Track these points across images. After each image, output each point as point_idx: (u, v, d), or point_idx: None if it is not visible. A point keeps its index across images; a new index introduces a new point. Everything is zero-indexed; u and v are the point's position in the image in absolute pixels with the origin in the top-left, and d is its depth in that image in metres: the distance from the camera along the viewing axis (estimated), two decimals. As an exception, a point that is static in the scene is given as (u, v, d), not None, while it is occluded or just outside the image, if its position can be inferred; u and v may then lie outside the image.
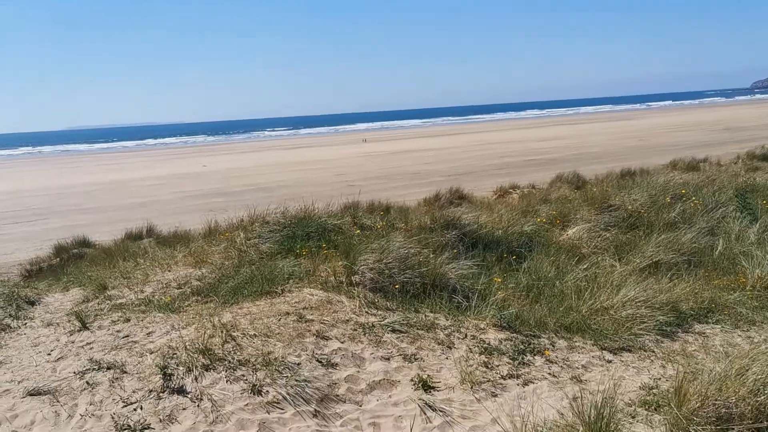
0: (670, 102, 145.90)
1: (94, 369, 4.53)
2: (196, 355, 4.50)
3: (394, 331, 5.04)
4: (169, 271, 7.07)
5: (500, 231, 7.88)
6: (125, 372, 4.46)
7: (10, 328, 5.77)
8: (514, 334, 5.09)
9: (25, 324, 5.91)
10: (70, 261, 13.80)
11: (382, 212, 16.82)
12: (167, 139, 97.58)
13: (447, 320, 5.31)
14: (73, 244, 14.51)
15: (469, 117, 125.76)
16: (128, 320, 5.47)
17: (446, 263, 6.13)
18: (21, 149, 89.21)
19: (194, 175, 35.12)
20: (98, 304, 6.23)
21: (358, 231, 7.88)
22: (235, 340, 4.75)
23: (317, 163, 37.91)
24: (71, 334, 5.35)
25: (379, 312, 5.37)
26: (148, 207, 23.69)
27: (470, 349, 4.84)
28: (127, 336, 5.14)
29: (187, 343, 4.73)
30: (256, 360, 4.49)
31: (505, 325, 5.18)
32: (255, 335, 4.82)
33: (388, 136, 71.67)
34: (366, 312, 5.34)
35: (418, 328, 5.11)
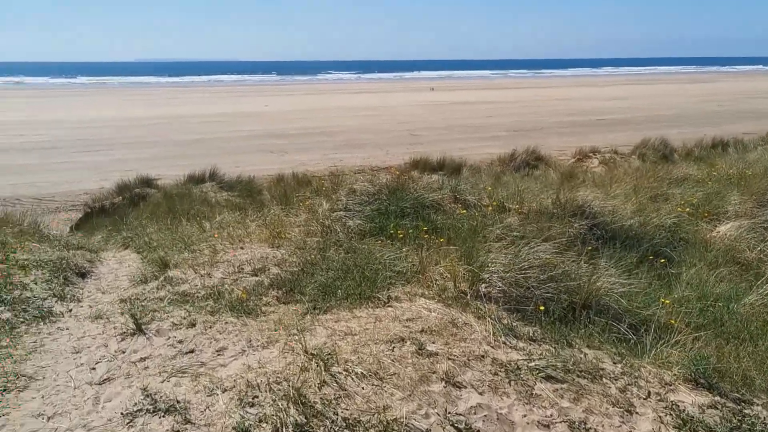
0: (761, 66, 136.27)
1: (148, 410, 3.18)
2: (284, 403, 3.12)
3: (548, 378, 3.56)
4: (241, 248, 5.67)
5: (635, 221, 6.25)
6: (189, 421, 3.10)
7: (52, 315, 4.45)
8: (717, 397, 3.55)
9: (70, 311, 4.60)
10: (132, 202, 12.76)
11: (450, 170, 15.24)
12: (232, 76, 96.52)
13: (614, 364, 3.79)
14: (136, 182, 13.52)
15: (540, 71, 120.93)
16: (193, 324, 4.10)
17: (603, 275, 4.55)
18: (91, 78, 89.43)
19: (256, 114, 33.85)
20: (157, 288, 4.88)
21: (464, 211, 6.35)
22: (336, 380, 3.34)
23: (380, 109, 36.15)
24: (122, 339, 4.00)
25: (520, 344, 3.88)
26: (209, 144, 22.55)
27: (660, 419, 3.34)
28: (192, 351, 3.77)
29: (271, 379, 3.35)
30: (368, 421, 3.08)
31: (701, 380, 3.64)
32: (363, 375, 3.40)
33: (454, 85, 69.08)
34: (504, 343, 3.85)
35: (578, 375, 3.61)
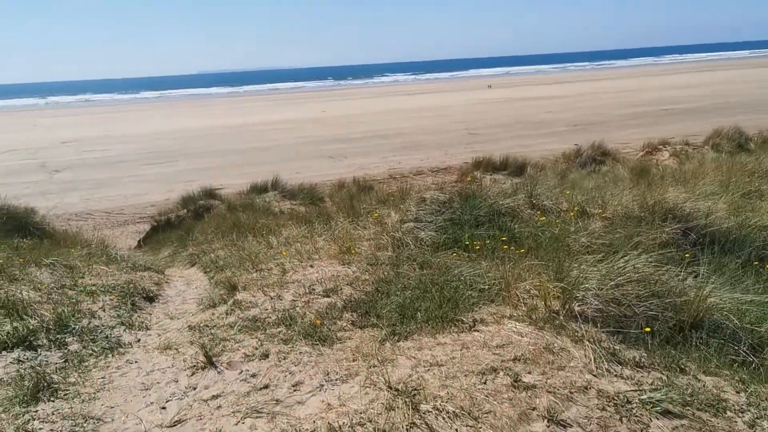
0: None
1: (222, 458, 2.92)
2: (372, 452, 2.80)
3: (664, 413, 3.12)
4: (311, 266, 5.39)
5: (732, 223, 5.67)
6: (268, 475, 2.82)
7: (121, 347, 4.26)
8: None
9: (139, 341, 4.39)
10: (197, 214, 12.78)
11: (513, 169, 14.70)
12: (288, 84, 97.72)
13: (737, 393, 3.31)
14: (200, 194, 13.56)
15: (600, 62, 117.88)
16: (266, 355, 3.82)
17: (712, 288, 4.05)
18: (153, 92, 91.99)
19: (313, 120, 33.94)
20: (226, 313, 4.64)
21: (543, 218, 5.91)
22: (426, 421, 2.99)
23: (437, 109, 35.71)
24: (193, 373, 3.76)
25: (626, 371, 3.44)
26: (270, 152, 22.63)
27: (803, 461, 2.87)
28: (266, 387, 3.49)
29: (354, 420, 3.02)
30: (467, 472, 2.73)
31: None
32: (455, 414, 3.04)
33: (512, 82, 67.98)
34: (607, 371, 3.43)
35: (697, 408, 3.16)
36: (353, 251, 5.53)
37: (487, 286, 4.45)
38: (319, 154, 21.52)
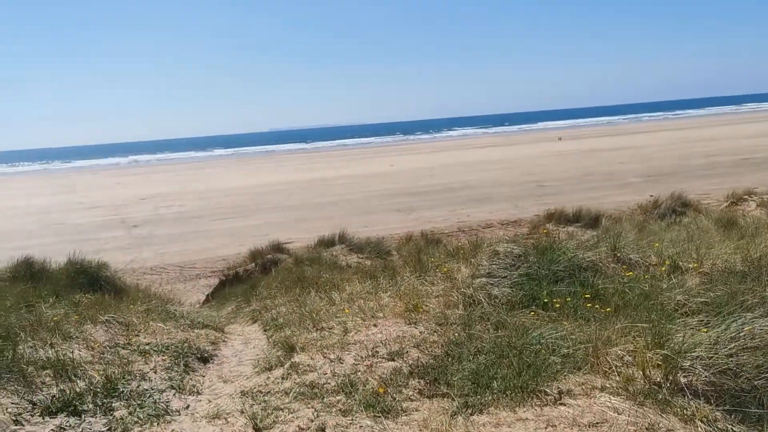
0: None
1: None
2: None
3: None
4: (375, 325, 4.95)
5: None
6: None
7: (168, 414, 3.89)
8: None
9: (188, 407, 4.03)
10: (264, 268, 12.62)
11: (587, 221, 13.94)
12: (356, 139, 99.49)
13: None
14: (268, 248, 13.40)
15: (675, 112, 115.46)
16: (322, 430, 3.38)
17: None
18: (227, 150, 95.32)
19: (381, 174, 34.01)
20: (282, 378, 4.22)
21: (630, 273, 5.30)
22: None
23: (505, 162, 35.23)
24: (241, 449, 3.35)
25: (751, 460, 2.84)
26: (338, 206, 22.60)
27: None
28: (321, 468, 3.05)
29: None
30: None
31: None
32: None
33: (583, 133, 66.95)
34: (728, 459, 2.83)
35: None
36: (420, 309, 5.07)
37: (571, 351, 3.89)
38: (387, 208, 21.31)
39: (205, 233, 19.50)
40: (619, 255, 5.70)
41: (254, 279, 11.30)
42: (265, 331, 5.78)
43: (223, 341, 5.65)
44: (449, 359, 4.05)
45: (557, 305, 4.76)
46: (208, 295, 11.63)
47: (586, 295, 4.85)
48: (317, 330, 5.11)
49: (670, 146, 37.22)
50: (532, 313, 4.74)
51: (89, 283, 9.43)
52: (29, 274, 9.25)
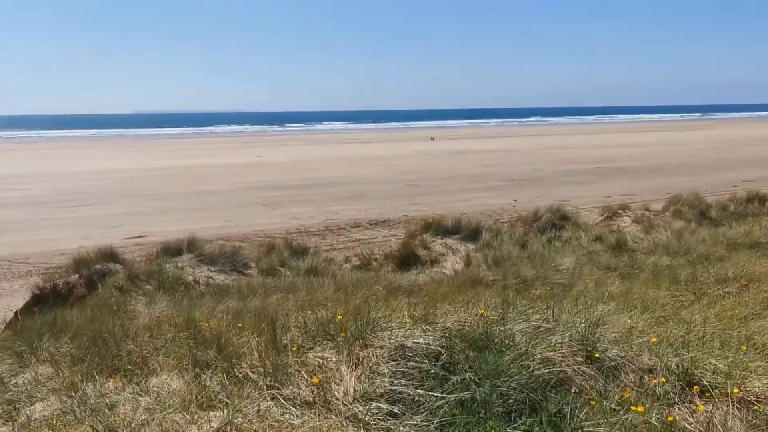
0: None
1: None
2: None
3: None
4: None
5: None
6: None
7: None
8: None
9: None
10: (90, 282, 9.80)
11: (467, 232, 13.69)
12: (223, 127, 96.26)
13: None
14: (97, 255, 10.49)
15: (545, 119, 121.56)
16: None
17: None
18: (89, 131, 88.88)
19: (249, 165, 32.78)
20: None
21: (627, 393, 3.16)
22: None
23: (379, 159, 35.17)
24: None
25: None
26: (199, 198, 21.33)
27: None
28: None
29: None
30: None
31: None
32: None
33: (454, 134, 68.71)
34: None
35: None
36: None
37: None
38: (251, 202, 20.35)
39: (48, 222, 17.58)
40: (591, 352, 3.50)
41: (77, 294, 9.08)
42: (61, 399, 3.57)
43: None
44: None
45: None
46: (16, 313, 9.07)
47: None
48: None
49: (533, 152, 38.88)
50: None
51: None
52: None
